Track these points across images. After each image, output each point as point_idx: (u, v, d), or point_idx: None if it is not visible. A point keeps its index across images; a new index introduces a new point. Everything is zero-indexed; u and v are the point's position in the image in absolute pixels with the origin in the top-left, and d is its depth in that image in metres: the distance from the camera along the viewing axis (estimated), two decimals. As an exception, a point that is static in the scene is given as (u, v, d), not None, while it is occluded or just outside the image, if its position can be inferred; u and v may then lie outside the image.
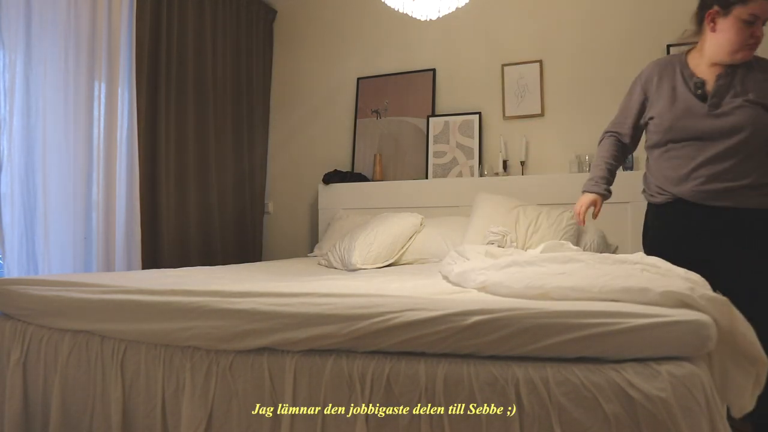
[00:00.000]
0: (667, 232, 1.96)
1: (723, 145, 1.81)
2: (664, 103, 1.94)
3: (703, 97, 1.86)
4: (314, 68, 4.14)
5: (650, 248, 2.01)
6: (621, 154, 2.16)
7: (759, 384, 1.25)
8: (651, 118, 1.99)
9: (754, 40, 1.79)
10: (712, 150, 1.83)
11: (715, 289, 1.26)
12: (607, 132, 2.19)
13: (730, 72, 1.85)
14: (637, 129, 2.09)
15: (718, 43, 1.84)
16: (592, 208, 2.10)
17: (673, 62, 1.99)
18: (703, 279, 1.41)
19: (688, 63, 1.95)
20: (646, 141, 2.08)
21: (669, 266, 1.51)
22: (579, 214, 2.08)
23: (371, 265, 2.79)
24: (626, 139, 2.12)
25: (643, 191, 2.08)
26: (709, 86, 1.87)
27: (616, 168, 2.16)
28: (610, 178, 2.12)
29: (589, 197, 2.09)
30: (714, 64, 1.88)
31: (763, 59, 1.88)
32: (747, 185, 1.80)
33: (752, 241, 1.81)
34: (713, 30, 1.84)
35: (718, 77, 1.86)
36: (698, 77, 1.89)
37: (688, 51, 1.99)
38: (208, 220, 3.55)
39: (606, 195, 2.10)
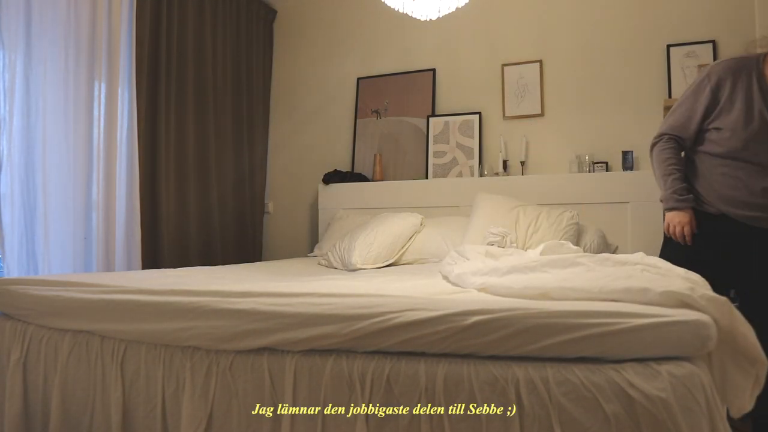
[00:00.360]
0: (706, 238, 1.94)
1: None
2: (737, 116, 1.81)
3: None
4: (314, 68, 4.14)
5: (680, 250, 1.96)
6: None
7: (758, 384, 1.25)
8: (717, 129, 1.86)
9: None
10: None
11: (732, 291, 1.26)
12: (665, 134, 2.01)
13: None
14: (699, 133, 1.95)
15: None
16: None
17: (748, 68, 1.83)
18: (703, 279, 1.41)
19: (766, 73, 1.80)
20: (698, 143, 1.97)
21: (669, 266, 1.51)
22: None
23: (371, 265, 2.79)
24: (688, 143, 1.99)
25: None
26: None
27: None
28: (688, 187, 1.98)
29: (685, 216, 1.93)
30: None
31: None
32: None
33: None
34: None
35: None
36: None
37: (765, 57, 1.83)
38: (208, 220, 3.55)
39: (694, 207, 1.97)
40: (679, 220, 1.93)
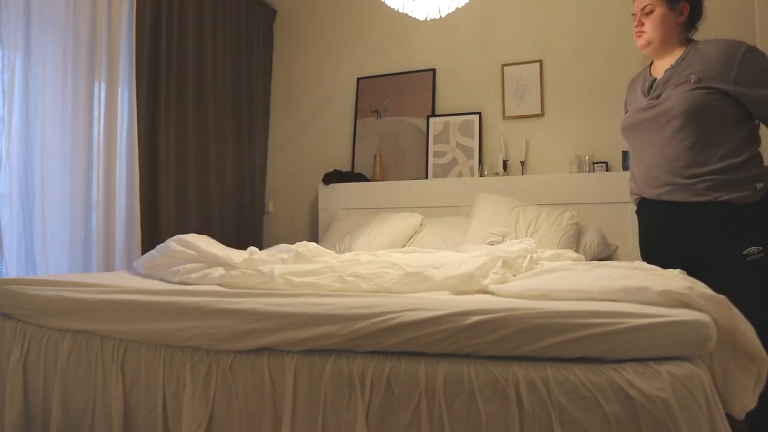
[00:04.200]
0: (641, 233, 2.03)
1: (665, 133, 1.82)
2: (629, 107, 2.03)
3: (648, 92, 1.92)
4: (314, 68, 4.14)
5: (642, 248, 2.05)
6: None
7: (760, 382, 1.25)
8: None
9: (635, 30, 1.97)
10: (657, 141, 1.85)
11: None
12: None
13: (679, 61, 1.87)
14: None
15: None
16: None
17: (644, 71, 2.05)
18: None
19: (650, 67, 2.01)
20: None
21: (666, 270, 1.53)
22: None
23: (371, 265, 2.79)
24: None
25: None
26: (657, 82, 1.92)
27: None
28: None
29: None
30: (660, 60, 1.95)
31: (708, 41, 1.88)
32: (700, 174, 1.76)
33: (711, 237, 1.76)
34: None
35: (666, 70, 1.89)
36: (652, 76, 1.95)
37: (652, 62, 2.05)
38: (208, 220, 3.55)
39: None
40: None
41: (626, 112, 2.05)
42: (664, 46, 1.91)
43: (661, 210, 1.88)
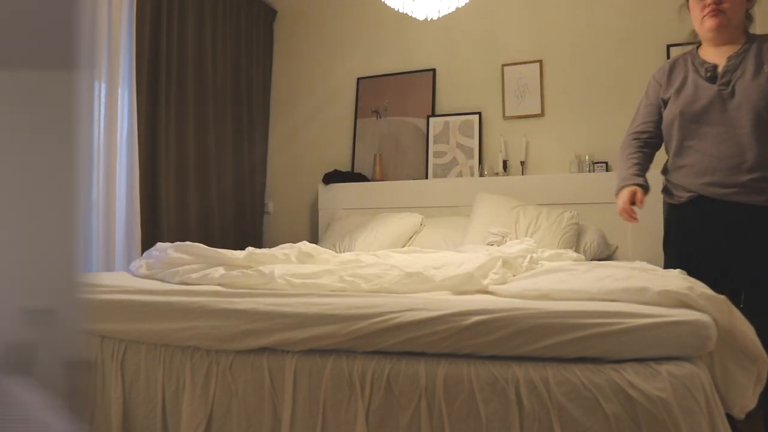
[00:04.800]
0: (684, 233, 1.87)
1: (740, 128, 1.72)
2: (673, 92, 1.88)
3: (713, 80, 1.80)
4: (314, 68, 4.13)
5: (677, 251, 1.89)
6: (649, 152, 1.99)
7: (760, 382, 1.25)
8: (664, 111, 1.92)
9: (709, 9, 1.79)
10: (729, 135, 1.74)
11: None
12: (627, 134, 2.04)
13: (744, 50, 1.79)
14: (659, 124, 1.96)
15: (694, 23, 1.90)
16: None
17: (684, 56, 1.95)
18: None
19: (699, 53, 1.90)
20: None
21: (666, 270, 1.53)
22: (626, 211, 1.86)
23: (371, 265, 2.79)
24: (647, 136, 1.98)
25: (664, 190, 1.96)
26: (721, 69, 1.81)
27: (644, 166, 1.96)
28: (641, 172, 1.93)
29: (626, 191, 1.87)
30: (718, 47, 1.84)
31: None
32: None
33: None
34: (690, 13, 1.92)
35: (729, 58, 1.80)
36: (709, 62, 1.84)
37: (698, 45, 1.94)
38: (208, 220, 3.55)
39: (644, 186, 1.89)
40: (618, 201, 1.90)
41: (665, 99, 1.91)
42: (735, 29, 1.81)
43: (724, 211, 1.75)
